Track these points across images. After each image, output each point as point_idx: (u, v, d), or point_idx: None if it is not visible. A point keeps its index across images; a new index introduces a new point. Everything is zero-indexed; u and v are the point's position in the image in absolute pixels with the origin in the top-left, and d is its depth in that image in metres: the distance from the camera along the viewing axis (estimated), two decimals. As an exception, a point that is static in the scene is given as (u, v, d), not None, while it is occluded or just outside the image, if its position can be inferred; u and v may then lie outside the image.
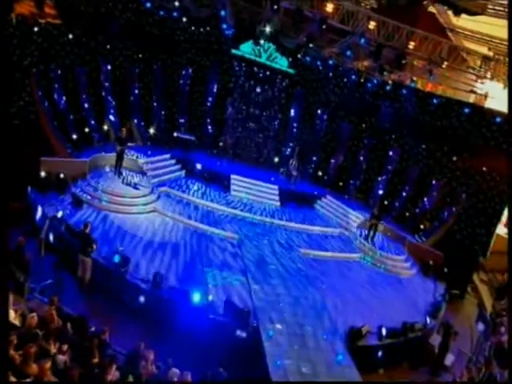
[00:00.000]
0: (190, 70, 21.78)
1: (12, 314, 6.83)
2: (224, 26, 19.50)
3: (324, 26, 16.61)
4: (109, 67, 19.39)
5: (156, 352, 7.91)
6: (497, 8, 17.65)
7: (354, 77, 22.23)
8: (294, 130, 23.32)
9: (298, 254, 15.42)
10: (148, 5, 18.60)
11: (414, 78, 21.51)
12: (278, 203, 19.52)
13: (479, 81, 19.37)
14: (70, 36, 17.66)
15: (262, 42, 20.13)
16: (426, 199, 20.73)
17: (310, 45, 18.71)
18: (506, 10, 15.63)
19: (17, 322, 6.89)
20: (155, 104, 21.06)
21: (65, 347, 6.75)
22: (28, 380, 5.54)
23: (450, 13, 19.47)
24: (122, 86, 19.94)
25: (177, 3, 18.01)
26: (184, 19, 19.37)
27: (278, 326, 10.56)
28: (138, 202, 15.31)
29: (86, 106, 18.26)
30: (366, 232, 17.90)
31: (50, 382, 5.74)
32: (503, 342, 11.78)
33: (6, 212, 5.98)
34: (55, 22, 16.88)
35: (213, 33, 21.15)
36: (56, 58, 17.20)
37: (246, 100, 22.07)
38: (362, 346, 11.19)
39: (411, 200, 21.22)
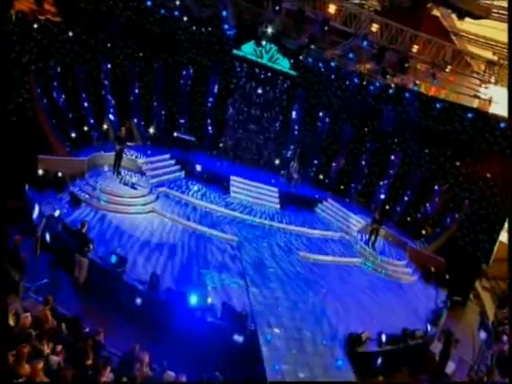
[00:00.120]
0: (191, 70, 21.64)
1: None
2: (226, 27, 19.32)
3: (326, 28, 16.52)
4: (109, 66, 19.23)
5: (151, 354, 7.80)
6: (501, 12, 17.58)
7: (356, 79, 22.02)
8: (296, 132, 23.16)
9: (298, 258, 15.26)
10: (149, 3, 18.48)
11: (417, 82, 21.33)
12: (278, 206, 19.33)
13: (483, 85, 19.18)
14: (70, 33, 17.52)
15: (263, 42, 19.93)
16: (428, 204, 20.50)
17: (312, 46, 18.59)
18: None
19: (10, 322, 6.77)
20: (155, 103, 20.90)
21: (59, 348, 6.69)
22: (20, 380, 5.49)
23: (454, 16, 19.41)
24: (122, 85, 19.77)
25: (178, 2, 17.90)
26: (185, 18, 19.23)
27: (276, 330, 10.41)
28: (136, 202, 15.15)
29: (86, 104, 18.09)
30: (367, 236, 17.71)
31: (43, 383, 5.70)
32: (505, 351, 11.63)
33: (2, 210, 5.89)
34: (55, 19, 16.76)
35: (214, 33, 20.99)
36: (55, 56, 17.06)
37: (247, 101, 21.86)
38: (361, 353, 11.01)
39: (413, 205, 20.99)
